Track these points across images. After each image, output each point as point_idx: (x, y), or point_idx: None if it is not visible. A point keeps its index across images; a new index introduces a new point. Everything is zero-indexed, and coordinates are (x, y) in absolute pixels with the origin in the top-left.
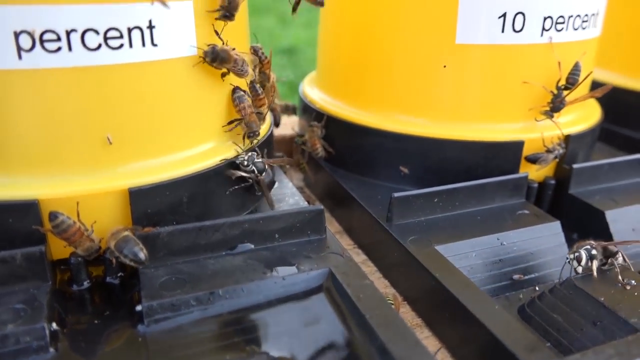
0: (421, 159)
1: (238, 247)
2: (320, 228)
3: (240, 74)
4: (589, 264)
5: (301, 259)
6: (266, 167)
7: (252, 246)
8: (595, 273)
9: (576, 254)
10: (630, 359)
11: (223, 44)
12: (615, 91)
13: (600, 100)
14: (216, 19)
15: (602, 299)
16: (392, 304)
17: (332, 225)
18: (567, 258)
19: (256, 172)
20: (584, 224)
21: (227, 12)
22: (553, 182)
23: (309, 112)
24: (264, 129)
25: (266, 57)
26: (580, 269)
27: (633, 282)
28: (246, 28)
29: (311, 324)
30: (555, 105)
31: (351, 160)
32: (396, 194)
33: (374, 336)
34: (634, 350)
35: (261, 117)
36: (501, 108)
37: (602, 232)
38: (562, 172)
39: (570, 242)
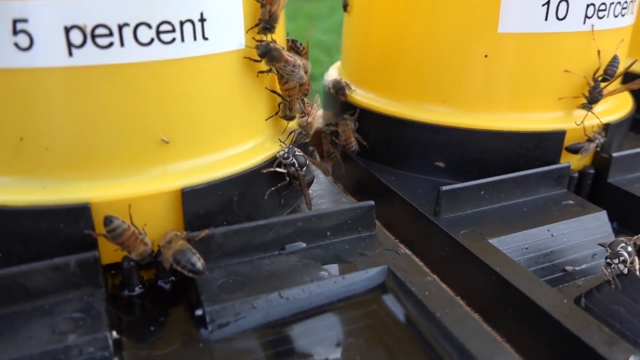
0: (460, 150)
1: (290, 246)
2: (371, 224)
3: (291, 75)
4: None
5: (356, 257)
6: (307, 161)
7: (304, 245)
8: (638, 272)
9: (621, 258)
10: None
11: (273, 41)
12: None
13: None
14: (258, 32)
15: None
16: None
17: None
18: (608, 261)
19: (297, 165)
20: (625, 212)
21: (268, 25)
22: (592, 171)
23: (337, 104)
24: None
25: (304, 48)
26: (626, 270)
27: None
28: (284, 35)
29: (376, 325)
30: (594, 97)
31: (387, 153)
32: (444, 188)
33: (450, 336)
34: None
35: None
36: (542, 97)
37: None
38: (601, 160)
39: (614, 232)
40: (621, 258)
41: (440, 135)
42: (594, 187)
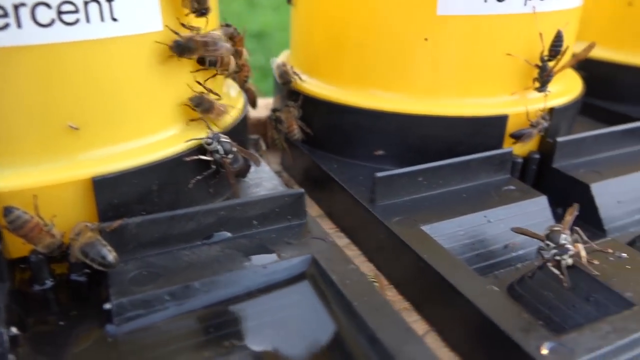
0: (401, 137)
1: (214, 236)
2: (301, 212)
3: (216, 53)
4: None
5: (282, 246)
6: (233, 149)
7: (230, 234)
8: (584, 260)
9: (570, 252)
10: (628, 335)
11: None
12: (595, 64)
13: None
14: (196, 16)
15: (596, 273)
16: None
17: (312, 209)
18: (557, 258)
19: (222, 152)
20: (569, 198)
21: (200, 11)
22: (537, 156)
23: (284, 91)
24: (236, 111)
25: (239, 34)
26: (571, 261)
27: (624, 255)
28: (216, 14)
29: (295, 314)
30: (544, 79)
31: (330, 140)
32: (379, 174)
33: (363, 324)
34: (632, 325)
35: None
36: (484, 82)
37: (587, 205)
38: (546, 146)
39: (556, 217)
40: (570, 252)
41: (381, 121)
42: (540, 173)
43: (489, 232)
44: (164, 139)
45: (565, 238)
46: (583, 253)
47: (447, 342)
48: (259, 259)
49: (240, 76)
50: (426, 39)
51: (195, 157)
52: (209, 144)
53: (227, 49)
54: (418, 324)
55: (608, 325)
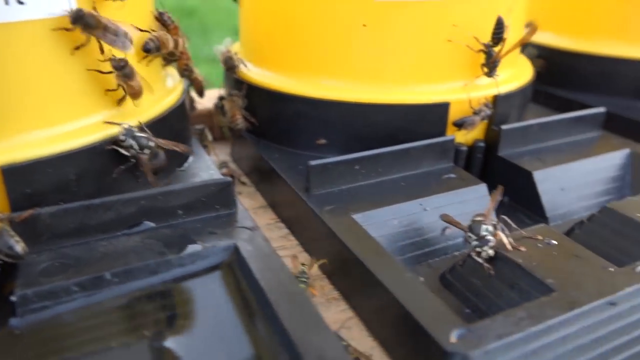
0: (343, 125)
1: (138, 226)
2: (229, 202)
3: (113, 45)
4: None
5: (205, 236)
6: (150, 143)
7: (153, 224)
8: (508, 245)
9: (490, 244)
10: (543, 321)
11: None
12: (550, 52)
13: (539, 62)
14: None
15: (520, 260)
16: (305, 272)
17: (256, 200)
18: (478, 250)
19: (137, 147)
20: (514, 186)
21: None
22: (482, 144)
23: (231, 80)
24: (171, 100)
25: (172, 22)
26: (493, 252)
27: (554, 241)
28: (149, 7)
29: (211, 305)
30: (491, 65)
31: (273, 130)
32: (313, 162)
33: (275, 316)
34: (547, 312)
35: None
36: (425, 69)
37: (530, 193)
38: (492, 134)
39: (501, 206)
40: (490, 243)
41: (322, 110)
42: (486, 161)
43: (425, 220)
44: (81, 127)
45: (486, 229)
46: (505, 241)
47: (370, 331)
48: (178, 249)
49: (179, 64)
50: (365, 25)
51: (111, 148)
52: (122, 140)
53: (124, 46)
54: (345, 314)
55: (523, 311)
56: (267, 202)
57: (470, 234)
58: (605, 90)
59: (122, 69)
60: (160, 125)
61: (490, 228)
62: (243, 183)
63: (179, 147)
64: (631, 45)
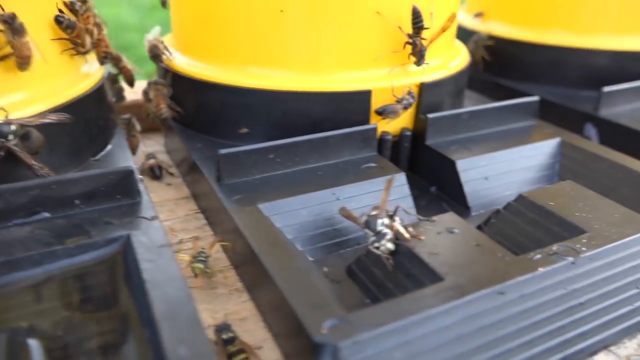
0: (265, 114)
1: (33, 216)
2: (132, 191)
3: None
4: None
5: (100, 226)
6: (10, 128)
7: (49, 215)
8: (406, 235)
9: (387, 237)
10: (422, 310)
11: None
12: (497, 41)
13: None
14: None
15: (416, 249)
16: (204, 251)
17: (181, 191)
18: (376, 245)
19: None
20: (439, 175)
21: None
22: (409, 133)
23: (160, 70)
24: (85, 86)
25: (85, 11)
26: (393, 246)
27: (456, 230)
28: None
29: (96, 296)
30: (418, 55)
31: (198, 119)
32: (223, 151)
33: (150, 310)
34: (430, 301)
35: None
36: (346, 56)
37: (454, 182)
38: (419, 123)
39: (428, 196)
40: (387, 237)
41: (243, 98)
42: (414, 151)
43: (336, 210)
44: None
45: (381, 223)
46: (402, 231)
47: (265, 322)
48: (65, 240)
49: (98, 52)
50: (282, 11)
51: None
52: None
53: None
54: (244, 305)
55: (406, 301)
56: (191, 193)
57: (367, 230)
58: (552, 80)
59: (11, 21)
60: (71, 112)
61: (387, 221)
62: (171, 174)
63: (49, 119)
64: (576, 34)
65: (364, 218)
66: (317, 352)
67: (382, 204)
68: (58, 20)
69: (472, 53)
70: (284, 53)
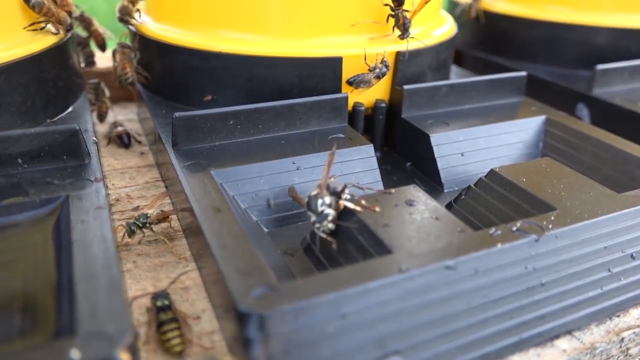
0: (230, 80)
1: None
2: (79, 152)
3: None
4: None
5: (40, 186)
6: None
7: None
8: (358, 208)
9: (329, 217)
10: (360, 282)
11: None
12: (490, 17)
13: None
14: None
15: (368, 221)
16: (148, 215)
17: (145, 159)
18: (317, 226)
19: None
20: (414, 151)
21: None
22: (383, 105)
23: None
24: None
25: None
26: (334, 226)
27: (416, 203)
28: None
29: (28, 256)
30: (402, 27)
31: (164, 85)
32: (179, 114)
33: (71, 270)
34: (370, 273)
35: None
36: (319, 20)
37: (428, 158)
38: (395, 94)
39: (402, 172)
40: (329, 218)
41: (209, 63)
42: (390, 124)
43: (297, 179)
44: None
45: (322, 203)
46: (352, 206)
47: (207, 292)
48: (4, 199)
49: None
50: None
51: None
52: None
53: None
54: (190, 274)
55: (345, 272)
56: (155, 162)
57: (308, 212)
58: (547, 59)
59: None
60: (26, 69)
61: (327, 200)
62: (139, 142)
63: None
64: (574, 10)
65: (305, 199)
66: (243, 321)
67: (322, 181)
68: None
69: (469, 7)
70: (253, 16)
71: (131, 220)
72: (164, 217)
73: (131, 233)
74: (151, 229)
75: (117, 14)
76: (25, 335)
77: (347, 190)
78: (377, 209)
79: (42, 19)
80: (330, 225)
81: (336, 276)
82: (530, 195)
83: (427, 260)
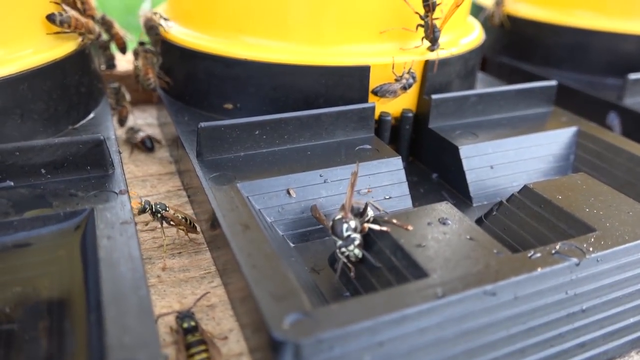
0: (254, 88)
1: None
2: (103, 163)
3: None
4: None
5: (64, 198)
6: None
7: (12, 183)
8: (385, 228)
9: (356, 242)
10: (398, 309)
11: None
12: (516, 22)
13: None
14: None
15: (402, 241)
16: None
17: (167, 167)
18: (343, 250)
19: None
20: (441, 162)
21: None
22: (410, 115)
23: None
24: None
25: None
26: (361, 254)
27: (449, 222)
28: None
29: (52, 271)
30: (431, 37)
31: (186, 91)
32: (204, 124)
33: (99, 291)
34: (409, 299)
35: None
36: (346, 27)
37: (456, 170)
38: (422, 104)
39: (429, 183)
40: (356, 242)
41: (233, 70)
42: (416, 134)
43: (324, 193)
44: None
45: (347, 228)
46: (377, 228)
47: (234, 311)
48: (24, 211)
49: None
50: None
51: None
52: None
53: None
54: (216, 290)
55: (382, 297)
56: (176, 169)
57: (334, 237)
58: (575, 66)
59: None
60: (49, 76)
61: (353, 224)
62: (160, 143)
63: None
64: (604, 16)
65: (329, 223)
66: (277, 349)
67: (347, 203)
68: (51, 19)
69: (492, 14)
70: (280, 21)
71: (149, 201)
72: (180, 223)
73: (142, 211)
74: (162, 221)
75: (144, 28)
76: None
77: (369, 210)
78: (410, 227)
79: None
80: (357, 252)
81: (372, 302)
82: (567, 214)
83: (465, 285)
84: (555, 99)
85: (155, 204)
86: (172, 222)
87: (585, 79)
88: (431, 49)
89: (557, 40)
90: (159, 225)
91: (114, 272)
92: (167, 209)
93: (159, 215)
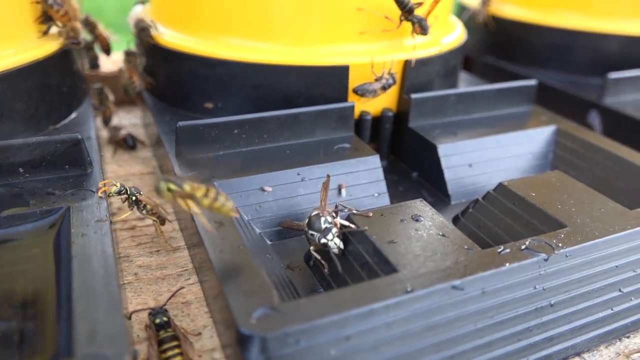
0: (236, 87)
1: None
2: (81, 162)
3: None
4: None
5: (41, 197)
6: None
7: None
8: (353, 226)
9: (331, 230)
10: (366, 303)
11: None
12: (501, 23)
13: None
14: None
15: (374, 237)
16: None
17: (148, 166)
18: (323, 241)
19: None
20: (421, 160)
21: None
22: (390, 114)
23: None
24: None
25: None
26: (338, 241)
27: (422, 218)
28: None
29: (27, 269)
30: (419, 30)
31: (169, 91)
32: (182, 123)
33: (70, 287)
34: (377, 294)
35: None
36: (323, 28)
37: (435, 169)
38: (402, 103)
39: (409, 182)
40: (333, 231)
41: (215, 70)
42: (396, 133)
43: (301, 191)
44: None
45: (325, 221)
46: (347, 224)
47: (208, 307)
48: (3, 210)
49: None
50: None
51: None
52: None
53: None
54: (192, 288)
55: (350, 292)
56: (159, 169)
57: (311, 232)
58: (558, 66)
59: None
60: (29, 76)
61: (329, 219)
62: (142, 143)
63: None
64: (587, 17)
65: (305, 221)
66: (244, 343)
67: (322, 202)
68: None
69: (477, 13)
70: (261, 22)
71: (125, 184)
72: (153, 207)
73: (117, 193)
74: (136, 206)
75: (135, 30)
76: (24, 356)
77: (339, 213)
78: (370, 214)
79: (59, 23)
80: (337, 241)
81: (340, 296)
82: (540, 211)
83: (434, 280)
84: (538, 99)
85: (130, 187)
86: (145, 206)
87: (569, 78)
88: (424, 34)
89: (541, 41)
90: (134, 211)
91: (85, 268)
92: (141, 193)
93: (133, 198)
